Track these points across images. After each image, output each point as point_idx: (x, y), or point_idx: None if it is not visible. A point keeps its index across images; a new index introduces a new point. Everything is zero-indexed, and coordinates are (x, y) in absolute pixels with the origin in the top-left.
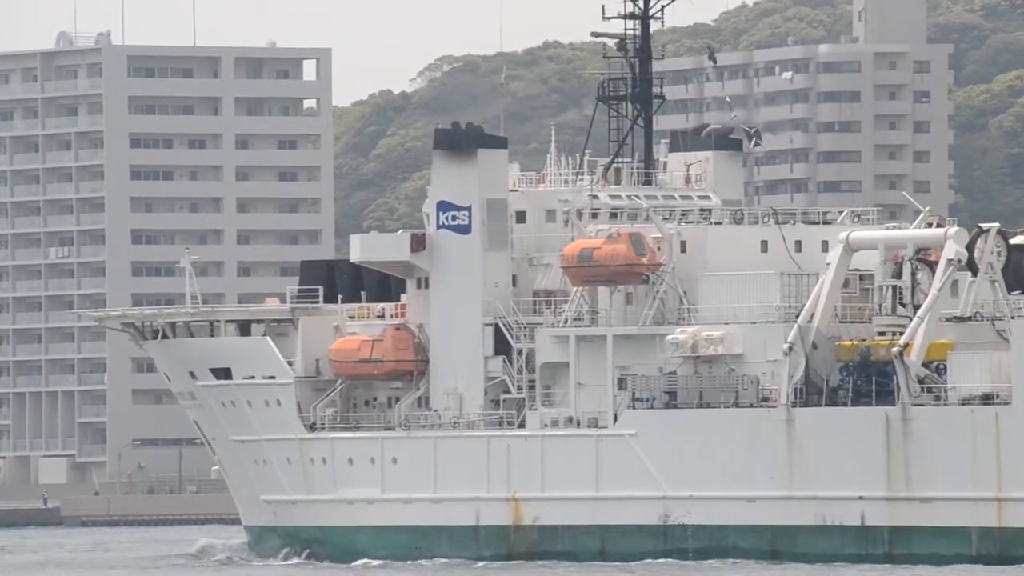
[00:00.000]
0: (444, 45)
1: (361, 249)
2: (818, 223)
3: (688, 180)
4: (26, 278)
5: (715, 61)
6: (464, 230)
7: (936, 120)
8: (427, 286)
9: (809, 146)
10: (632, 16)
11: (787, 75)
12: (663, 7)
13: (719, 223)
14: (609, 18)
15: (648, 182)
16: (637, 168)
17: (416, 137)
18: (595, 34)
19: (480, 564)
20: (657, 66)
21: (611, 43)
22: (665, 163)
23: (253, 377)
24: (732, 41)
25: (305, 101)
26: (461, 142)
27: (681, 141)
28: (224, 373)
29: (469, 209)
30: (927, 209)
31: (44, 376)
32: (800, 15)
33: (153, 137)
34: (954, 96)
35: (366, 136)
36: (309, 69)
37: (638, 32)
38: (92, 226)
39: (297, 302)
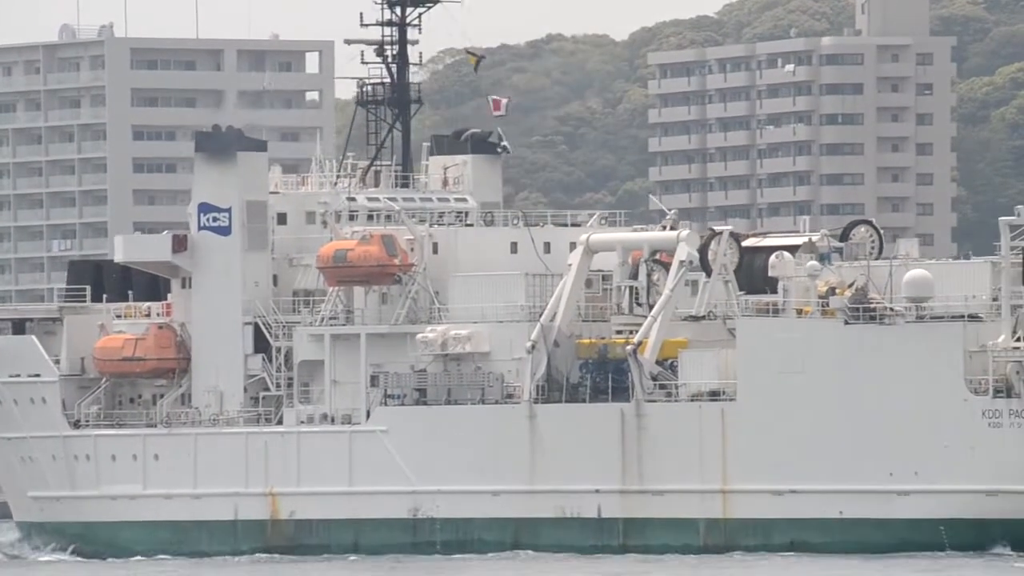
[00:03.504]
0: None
1: (124, 250)
2: (567, 225)
3: (446, 183)
4: (29, 271)
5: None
6: (224, 231)
7: (939, 112)
8: (191, 286)
9: (812, 138)
10: (389, 23)
11: (790, 67)
12: (420, 15)
13: (471, 225)
14: (367, 25)
15: (406, 185)
16: (396, 171)
17: (418, 130)
18: (348, 41)
19: (237, 559)
20: (658, 58)
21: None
22: (426, 166)
23: (19, 375)
24: (735, 33)
25: (308, 94)
26: (221, 145)
27: (438, 145)
28: None
29: (229, 211)
30: (672, 212)
31: None
32: (803, 7)
33: (156, 129)
34: (957, 88)
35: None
36: (312, 62)
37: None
38: (95, 219)
39: (64, 301)
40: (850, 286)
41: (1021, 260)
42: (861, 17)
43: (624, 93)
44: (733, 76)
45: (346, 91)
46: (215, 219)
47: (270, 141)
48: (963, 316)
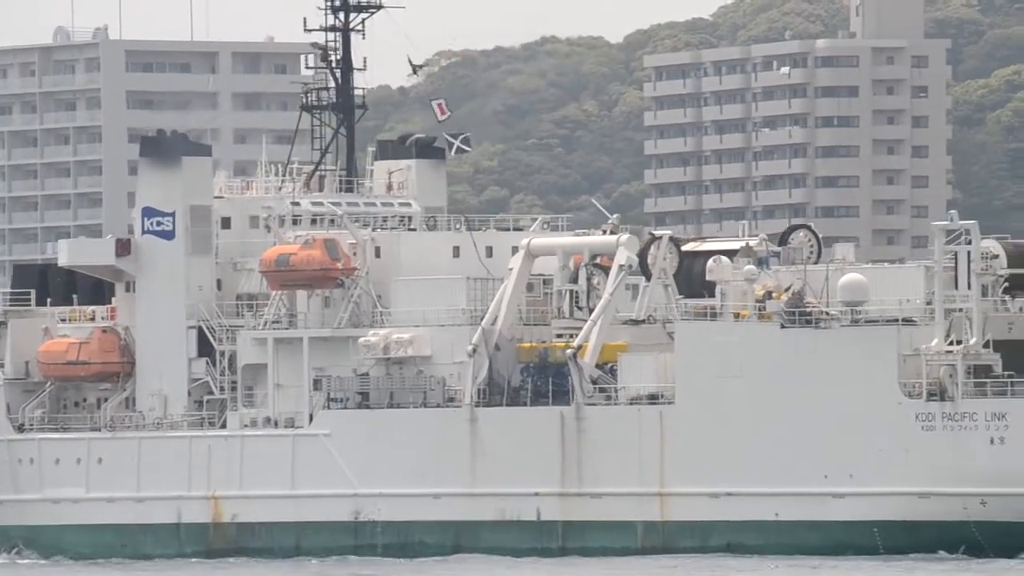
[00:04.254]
0: (442, 40)
1: (68, 254)
2: (509, 230)
3: (390, 188)
4: None
5: (416, 72)
6: (168, 235)
7: (934, 115)
8: (135, 290)
9: (807, 141)
10: (333, 28)
11: (785, 70)
12: (363, 20)
13: (414, 230)
14: (311, 30)
15: (351, 189)
16: (340, 176)
17: (414, 132)
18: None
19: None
20: (654, 60)
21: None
22: (371, 171)
23: None
24: (730, 36)
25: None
26: (165, 149)
27: (382, 150)
28: None
29: (173, 215)
30: (615, 216)
31: None
32: (797, 10)
33: (151, 132)
34: (952, 91)
35: (364, 131)
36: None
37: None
38: (90, 221)
39: (8, 305)
40: (787, 290)
41: (954, 265)
42: (856, 19)
43: (619, 95)
44: (728, 79)
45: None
46: (159, 223)
47: (265, 144)
48: (897, 320)
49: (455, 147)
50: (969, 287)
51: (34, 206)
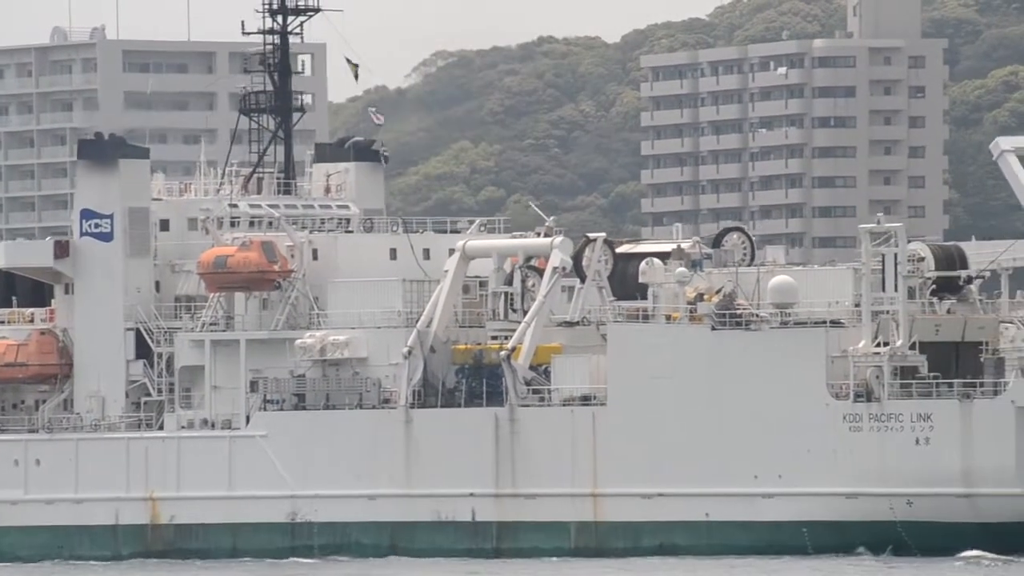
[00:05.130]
0: (438, 40)
1: (6, 256)
2: (446, 232)
3: (328, 190)
4: None
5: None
6: (106, 237)
7: (931, 115)
8: (73, 292)
9: (804, 141)
10: (271, 32)
11: (782, 70)
12: (301, 23)
13: (351, 232)
14: (249, 34)
15: (289, 192)
16: (278, 178)
17: (411, 132)
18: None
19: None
20: (651, 60)
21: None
22: (311, 173)
23: None
24: (727, 36)
25: (300, 96)
26: (103, 152)
27: (321, 153)
28: None
29: (111, 217)
30: (552, 219)
31: None
32: (794, 10)
33: (148, 132)
34: (949, 91)
35: (361, 132)
36: (305, 65)
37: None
38: None
39: None
40: (718, 292)
41: (881, 267)
42: (853, 19)
43: (616, 96)
44: (725, 79)
45: (338, 94)
46: (97, 225)
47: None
48: (825, 322)
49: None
50: (896, 289)
51: (31, 206)
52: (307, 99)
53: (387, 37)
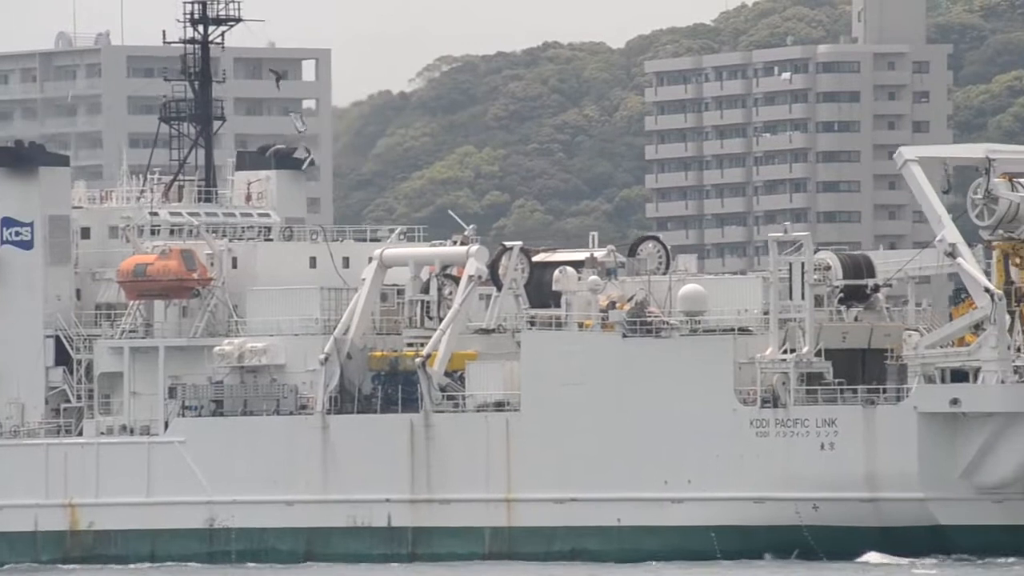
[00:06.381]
0: (443, 45)
1: None
2: (366, 240)
3: (249, 198)
4: None
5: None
6: (27, 245)
7: (935, 120)
8: None
9: (808, 146)
10: (192, 41)
11: (786, 75)
12: (223, 33)
13: (271, 240)
14: (170, 43)
15: (210, 200)
16: (199, 186)
17: (415, 137)
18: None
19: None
20: (655, 65)
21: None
22: (232, 181)
23: None
24: (731, 41)
25: (304, 102)
26: (23, 159)
27: (241, 161)
28: None
29: (31, 225)
30: (471, 227)
31: None
32: (799, 15)
33: (152, 138)
34: (953, 96)
35: (365, 136)
36: (308, 70)
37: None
38: None
39: None
40: (630, 300)
41: (788, 275)
42: (857, 25)
43: (621, 101)
44: (729, 84)
45: (342, 99)
46: (17, 233)
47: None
48: (733, 330)
49: (307, 161)
50: (803, 297)
51: None
52: (310, 104)
53: (392, 42)
